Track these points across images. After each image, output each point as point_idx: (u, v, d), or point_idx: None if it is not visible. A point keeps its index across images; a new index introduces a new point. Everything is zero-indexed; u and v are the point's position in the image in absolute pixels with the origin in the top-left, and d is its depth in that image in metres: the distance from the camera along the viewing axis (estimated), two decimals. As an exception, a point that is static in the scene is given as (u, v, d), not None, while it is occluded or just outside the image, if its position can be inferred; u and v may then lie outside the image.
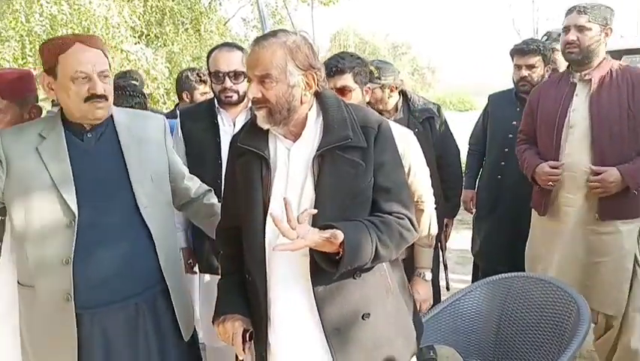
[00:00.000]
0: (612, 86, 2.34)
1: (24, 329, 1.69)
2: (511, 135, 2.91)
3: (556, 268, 2.48)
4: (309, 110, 1.47)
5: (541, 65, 2.88)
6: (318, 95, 1.49)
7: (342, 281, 1.40)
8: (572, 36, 2.36)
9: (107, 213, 1.63)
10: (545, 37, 3.26)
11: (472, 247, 3.40)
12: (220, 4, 13.39)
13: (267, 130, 1.47)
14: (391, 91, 2.70)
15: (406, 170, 1.87)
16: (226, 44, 2.45)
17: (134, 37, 9.67)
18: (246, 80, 2.20)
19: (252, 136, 1.49)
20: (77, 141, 1.65)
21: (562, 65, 3.20)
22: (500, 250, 3.03)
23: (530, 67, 2.87)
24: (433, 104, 2.96)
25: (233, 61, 2.29)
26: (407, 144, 1.96)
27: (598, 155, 2.33)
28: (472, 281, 3.39)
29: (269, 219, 1.39)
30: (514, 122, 2.91)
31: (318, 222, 1.34)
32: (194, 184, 1.96)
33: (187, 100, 3.42)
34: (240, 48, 2.38)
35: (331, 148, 1.40)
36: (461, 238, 4.60)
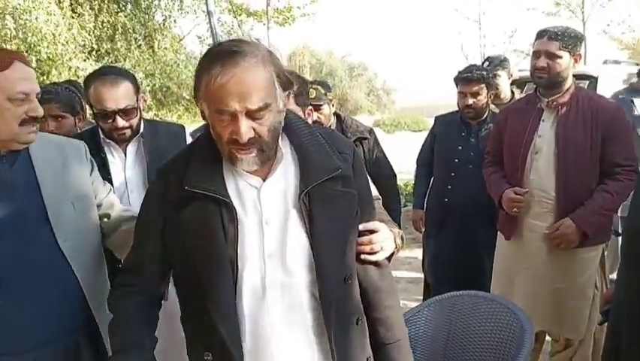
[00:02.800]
0: (578, 113, 2.36)
1: None
2: (457, 160, 2.99)
3: (519, 292, 2.50)
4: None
5: (485, 92, 2.96)
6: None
7: (347, 330, 1.22)
8: (542, 62, 2.37)
9: (26, 249, 1.46)
10: (487, 63, 3.36)
11: (422, 266, 3.45)
12: (175, 21, 13.28)
13: (220, 164, 1.19)
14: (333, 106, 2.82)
15: None
16: (107, 72, 2.03)
17: (84, 52, 9.43)
18: (136, 113, 2.02)
19: (202, 174, 1.17)
20: None
21: (504, 90, 3.34)
22: (448, 269, 3.07)
23: (475, 94, 2.93)
24: (365, 127, 3.13)
25: (121, 96, 1.97)
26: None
27: (562, 181, 2.35)
28: (424, 300, 3.43)
29: (242, 279, 1.16)
30: (460, 147, 2.99)
31: (323, 275, 1.16)
32: (114, 212, 1.76)
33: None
34: (125, 75, 2.05)
35: (321, 182, 1.16)
36: (415, 257, 4.65)
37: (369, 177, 1.46)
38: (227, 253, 1.14)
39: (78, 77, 8.66)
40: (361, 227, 1.25)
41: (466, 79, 2.95)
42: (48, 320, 1.47)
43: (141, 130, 2.12)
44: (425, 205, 3.35)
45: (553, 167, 2.37)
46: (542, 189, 2.40)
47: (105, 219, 1.74)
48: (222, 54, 1.08)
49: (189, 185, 1.16)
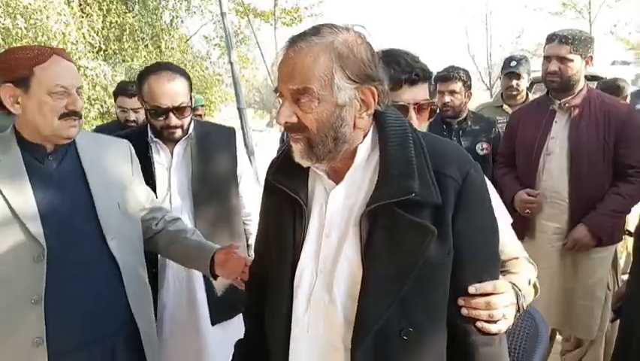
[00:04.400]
0: (591, 115, 2.39)
1: None
2: None
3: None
4: (363, 139, 1.06)
5: (463, 92, 2.97)
6: (377, 117, 1.07)
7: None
8: (554, 66, 2.40)
9: (75, 246, 1.44)
10: (514, 63, 3.36)
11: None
12: (182, 21, 13.32)
13: None
14: None
15: None
16: (164, 68, 1.97)
17: (92, 52, 9.49)
18: (189, 112, 1.97)
19: (287, 169, 1.11)
20: (37, 164, 1.46)
21: (522, 90, 3.36)
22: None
23: (452, 92, 2.95)
24: None
25: (177, 93, 1.92)
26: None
27: (575, 182, 2.37)
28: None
29: (298, 277, 1.08)
30: None
31: (368, 316, 0.99)
32: (158, 214, 1.77)
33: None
34: (180, 71, 1.99)
35: (388, 204, 0.99)
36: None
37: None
38: (290, 252, 1.09)
39: (86, 77, 8.73)
40: (472, 289, 1.03)
41: (444, 77, 2.97)
42: (93, 320, 1.46)
43: (190, 130, 2.04)
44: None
45: (566, 168, 2.39)
46: (555, 190, 2.43)
47: (151, 223, 1.74)
48: (293, 38, 1.03)
49: (272, 177, 1.14)
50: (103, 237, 1.49)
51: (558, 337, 2.83)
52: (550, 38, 2.46)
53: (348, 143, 1.03)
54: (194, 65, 12.76)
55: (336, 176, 1.08)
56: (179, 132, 1.98)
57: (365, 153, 1.06)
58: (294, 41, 1.01)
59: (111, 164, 1.61)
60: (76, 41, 8.07)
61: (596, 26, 16.88)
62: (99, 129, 3.38)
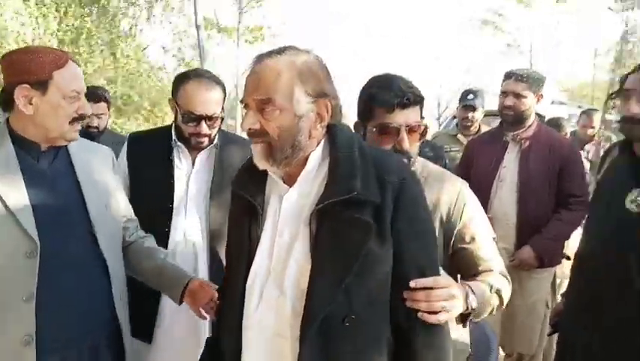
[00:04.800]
0: (539, 148, 2.64)
1: None
2: None
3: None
4: (316, 148, 1.18)
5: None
6: (329, 129, 1.19)
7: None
8: (509, 101, 2.65)
9: (67, 243, 1.46)
10: (472, 96, 3.53)
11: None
12: (141, 30, 13.17)
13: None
14: None
15: (461, 231, 1.51)
16: (202, 73, 1.96)
17: (46, 54, 9.22)
18: (219, 123, 1.98)
19: (248, 176, 1.23)
20: (30, 161, 1.47)
21: (477, 122, 3.58)
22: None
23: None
24: None
25: (213, 101, 1.91)
26: (460, 195, 1.54)
27: (522, 208, 2.60)
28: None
29: (250, 285, 1.19)
30: None
31: (314, 307, 1.08)
32: (132, 226, 1.76)
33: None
34: (218, 81, 1.97)
35: (333, 203, 1.09)
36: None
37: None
38: (246, 253, 1.19)
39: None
40: (412, 284, 1.13)
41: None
42: (82, 317, 1.47)
43: (215, 140, 2.01)
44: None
45: (515, 195, 2.63)
46: (505, 214, 2.65)
47: (125, 233, 1.72)
48: (260, 55, 1.17)
49: (233, 185, 1.27)
50: (94, 236, 1.51)
51: (501, 352, 3.03)
52: (508, 75, 2.71)
53: (303, 150, 1.15)
54: (150, 75, 12.61)
55: (290, 180, 1.19)
56: (206, 141, 1.96)
57: (316, 161, 1.18)
58: (261, 58, 1.15)
59: (98, 168, 1.64)
60: (32, 41, 7.83)
61: (535, 67, 18.12)
62: None
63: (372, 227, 1.09)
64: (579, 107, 9.35)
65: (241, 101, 1.17)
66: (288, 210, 1.17)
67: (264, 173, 1.21)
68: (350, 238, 1.09)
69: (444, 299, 1.15)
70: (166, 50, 14.70)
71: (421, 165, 1.59)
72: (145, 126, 13.47)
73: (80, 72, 1.51)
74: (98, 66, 11.22)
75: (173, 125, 2.02)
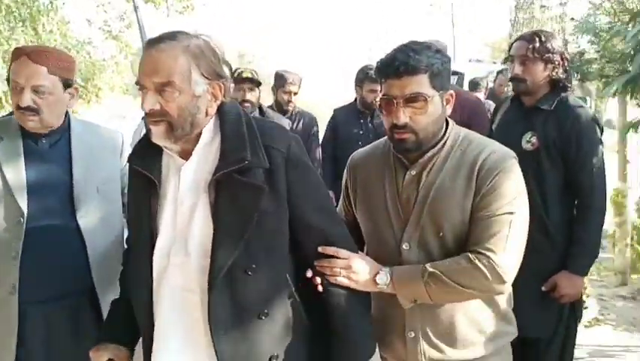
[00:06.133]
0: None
1: None
2: (360, 142, 3.34)
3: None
4: (208, 123, 1.30)
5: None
6: (219, 107, 1.31)
7: (247, 322, 1.25)
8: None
9: (49, 216, 1.74)
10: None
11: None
12: (63, 3, 12.61)
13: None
14: None
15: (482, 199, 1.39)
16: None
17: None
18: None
19: (145, 153, 1.33)
20: (32, 145, 1.77)
21: None
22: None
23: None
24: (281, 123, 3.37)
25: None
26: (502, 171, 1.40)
27: None
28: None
29: (157, 252, 1.30)
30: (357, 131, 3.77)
31: (219, 262, 1.22)
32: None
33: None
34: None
35: (228, 172, 1.23)
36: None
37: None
38: (147, 223, 1.30)
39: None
40: (320, 249, 1.32)
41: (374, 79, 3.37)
42: (58, 279, 1.75)
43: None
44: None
45: None
46: None
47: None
48: (151, 40, 1.26)
49: (131, 162, 1.36)
50: (74, 213, 1.77)
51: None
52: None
53: (200, 127, 1.27)
54: (79, 50, 12.20)
55: (185, 155, 1.29)
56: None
57: (209, 135, 1.29)
58: (154, 42, 1.23)
59: (97, 149, 1.88)
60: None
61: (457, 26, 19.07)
62: None
63: (264, 189, 1.24)
64: (494, 62, 10.23)
65: (137, 83, 1.25)
66: (187, 182, 1.28)
67: (159, 149, 1.31)
68: (246, 200, 1.23)
69: (342, 268, 1.32)
70: (91, 22, 14.18)
71: (461, 136, 1.47)
72: (79, 103, 13.11)
73: (29, 69, 1.68)
74: (19, 43, 10.74)
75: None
